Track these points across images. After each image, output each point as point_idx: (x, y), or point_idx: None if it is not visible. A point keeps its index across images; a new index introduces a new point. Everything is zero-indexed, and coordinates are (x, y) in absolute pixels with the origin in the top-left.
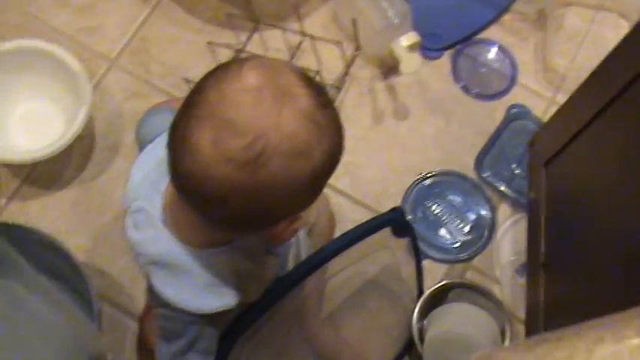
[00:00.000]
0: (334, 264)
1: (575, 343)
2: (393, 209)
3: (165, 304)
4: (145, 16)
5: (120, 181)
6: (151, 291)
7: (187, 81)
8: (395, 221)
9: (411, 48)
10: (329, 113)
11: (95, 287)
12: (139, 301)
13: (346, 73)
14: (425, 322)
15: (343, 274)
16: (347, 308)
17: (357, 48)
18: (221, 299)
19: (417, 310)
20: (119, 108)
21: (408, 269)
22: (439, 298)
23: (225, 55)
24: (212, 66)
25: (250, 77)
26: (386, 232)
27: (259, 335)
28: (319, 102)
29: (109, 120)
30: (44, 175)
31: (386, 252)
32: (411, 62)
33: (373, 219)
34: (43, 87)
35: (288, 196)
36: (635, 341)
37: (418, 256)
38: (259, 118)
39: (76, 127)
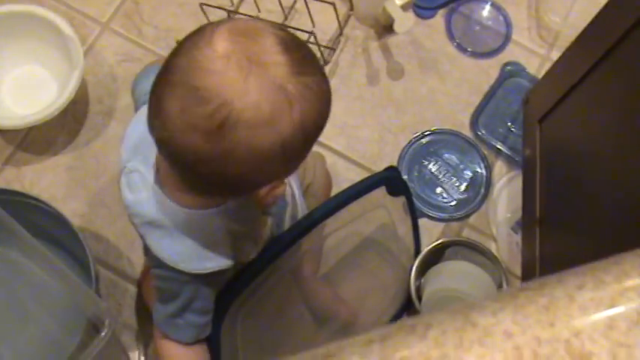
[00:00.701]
0: (330, 223)
1: (557, 289)
2: (388, 168)
3: (161, 265)
4: None
5: (114, 145)
6: (147, 252)
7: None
8: (390, 180)
9: (404, 7)
10: (304, 82)
11: (92, 251)
12: (137, 265)
13: (340, 34)
14: (422, 280)
15: (339, 233)
16: (344, 267)
17: (351, 8)
18: (215, 260)
19: (414, 268)
20: (112, 72)
21: (404, 228)
22: (436, 256)
23: (218, 16)
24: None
25: (220, 43)
26: (381, 191)
27: (256, 295)
28: (294, 70)
29: (103, 84)
30: (38, 140)
31: (381, 211)
32: (404, 21)
33: (368, 178)
34: (34, 52)
35: (258, 165)
36: (615, 287)
37: (414, 214)
38: (224, 87)
39: (68, 92)
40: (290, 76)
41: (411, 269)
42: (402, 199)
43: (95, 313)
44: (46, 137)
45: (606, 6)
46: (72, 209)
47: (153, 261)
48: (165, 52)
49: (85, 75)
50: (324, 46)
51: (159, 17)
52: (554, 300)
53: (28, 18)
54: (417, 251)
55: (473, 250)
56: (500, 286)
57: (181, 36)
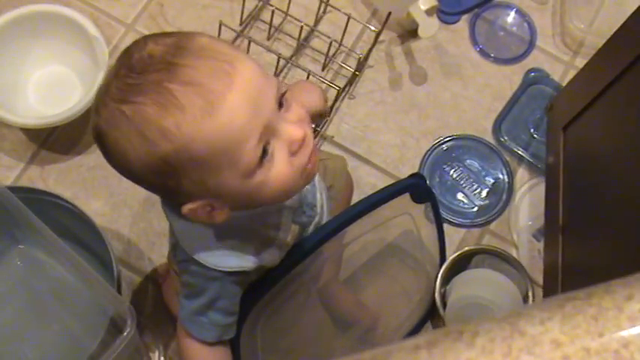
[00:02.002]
0: (353, 229)
1: (605, 299)
2: (414, 175)
3: (188, 259)
4: None
5: None
6: (176, 245)
7: None
8: (415, 187)
9: (429, 12)
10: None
11: (114, 251)
12: (157, 265)
13: (366, 58)
14: (448, 287)
15: (362, 239)
16: (367, 274)
17: (378, 35)
18: (239, 259)
19: (439, 275)
20: None
21: (429, 235)
22: (462, 263)
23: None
24: (228, 33)
25: None
26: (405, 198)
27: (277, 301)
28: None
29: None
30: (62, 140)
31: (405, 218)
32: (429, 26)
33: (393, 184)
34: (60, 52)
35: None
36: None
37: (439, 221)
38: None
39: (93, 92)
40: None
41: (436, 276)
42: (426, 206)
43: (117, 312)
44: (70, 137)
45: (633, 14)
46: (94, 209)
47: (182, 254)
48: None
49: None
50: (353, 72)
51: (183, 19)
52: (602, 310)
53: (53, 18)
54: (443, 258)
55: (499, 259)
56: (526, 296)
57: None
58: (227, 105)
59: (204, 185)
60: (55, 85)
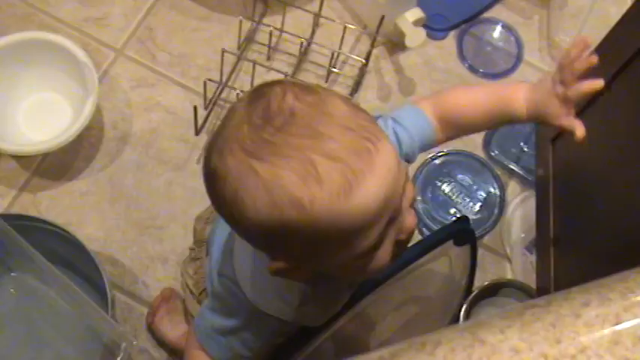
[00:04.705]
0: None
1: (563, 307)
2: (459, 219)
3: (232, 277)
4: (151, 5)
5: (129, 170)
6: (225, 255)
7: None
8: (462, 232)
9: (416, 23)
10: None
11: (108, 276)
12: (152, 289)
13: (365, 64)
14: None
15: (399, 285)
16: (402, 332)
17: (374, 39)
18: (276, 307)
19: (464, 308)
20: (127, 97)
21: (460, 273)
22: (486, 296)
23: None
24: (218, 55)
25: None
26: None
27: (307, 351)
28: None
29: (117, 110)
30: (54, 166)
31: (444, 260)
32: (416, 36)
33: (438, 232)
34: (50, 78)
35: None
36: (620, 303)
37: (474, 263)
38: None
39: (83, 118)
40: None
41: (460, 308)
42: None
43: (111, 337)
44: (61, 163)
45: (616, 26)
46: (87, 234)
47: (226, 266)
48: (179, 78)
49: (99, 101)
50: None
51: (172, 43)
52: (560, 317)
53: (42, 45)
54: (469, 291)
55: (524, 293)
56: None
57: (196, 62)
58: (364, 188)
59: (309, 255)
60: (45, 111)
